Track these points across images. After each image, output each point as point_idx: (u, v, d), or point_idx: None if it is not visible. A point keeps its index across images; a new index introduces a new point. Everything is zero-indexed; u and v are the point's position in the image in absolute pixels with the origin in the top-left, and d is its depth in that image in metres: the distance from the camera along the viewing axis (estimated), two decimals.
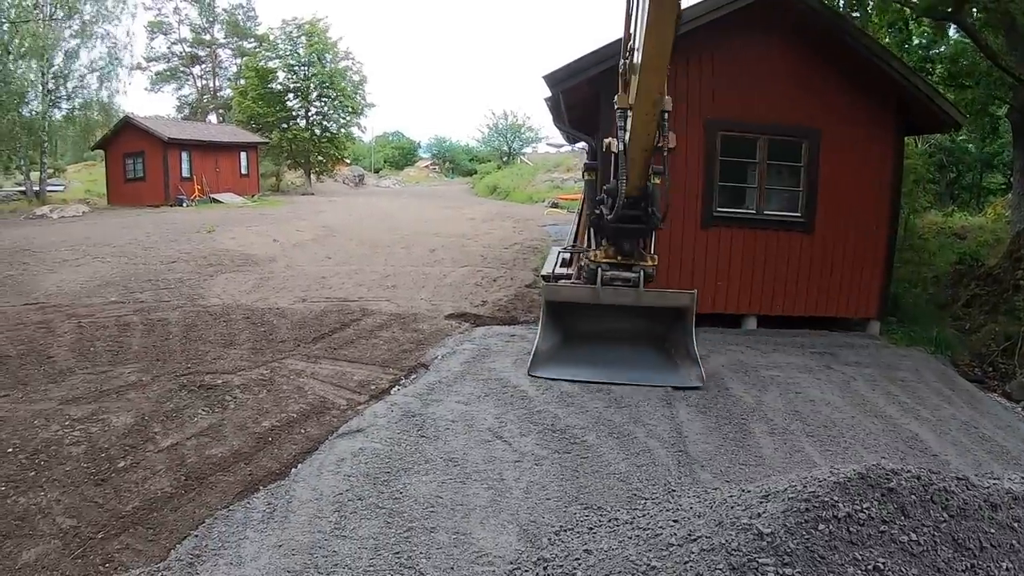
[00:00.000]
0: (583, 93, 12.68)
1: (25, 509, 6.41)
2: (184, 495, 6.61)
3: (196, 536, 5.91)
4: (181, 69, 76.36)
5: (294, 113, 56.02)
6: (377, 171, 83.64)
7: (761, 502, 4.54)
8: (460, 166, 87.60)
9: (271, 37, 59.22)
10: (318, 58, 55.21)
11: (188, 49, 75.32)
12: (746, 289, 13.07)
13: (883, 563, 4.03)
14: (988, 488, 4.57)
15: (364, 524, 5.96)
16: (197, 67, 77.01)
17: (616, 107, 9.53)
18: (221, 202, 40.53)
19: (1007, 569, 4.13)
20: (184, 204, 39.06)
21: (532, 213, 35.08)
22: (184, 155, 41.69)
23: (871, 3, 19.77)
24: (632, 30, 9.04)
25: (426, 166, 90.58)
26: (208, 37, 75.76)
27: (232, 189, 43.78)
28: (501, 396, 9.08)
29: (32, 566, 5.58)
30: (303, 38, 55.71)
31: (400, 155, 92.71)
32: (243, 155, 47.53)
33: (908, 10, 18.46)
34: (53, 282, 16.17)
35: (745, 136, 12.96)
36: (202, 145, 43.36)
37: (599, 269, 10.30)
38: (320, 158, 56.46)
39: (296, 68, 55.79)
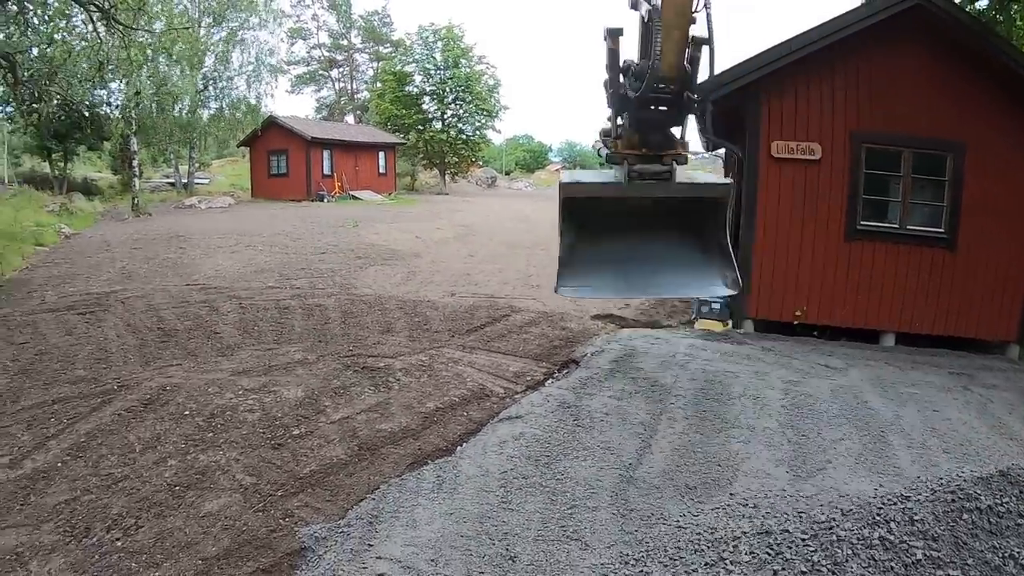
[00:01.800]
0: (731, 102, 12.83)
1: (205, 466, 7.24)
2: (358, 463, 7.34)
3: (373, 500, 6.58)
4: (320, 72, 79.49)
5: (430, 115, 57.25)
6: (507, 173, 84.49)
7: (911, 493, 4.91)
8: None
9: (408, 43, 60.77)
10: (454, 62, 56.29)
11: (326, 54, 78.33)
12: (886, 305, 12.92)
13: (1018, 552, 4.37)
14: None
15: (529, 500, 6.49)
16: (335, 70, 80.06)
17: None
18: (360, 199, 42.16)
19: None
20: (325, 200, 40.89)
21: None
22: (326, 153, 43.64)
23: (1016, 8, 19.32)
24: None
25: (556, 169, 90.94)
26: (345, 42, 78.47)
27: (370, 187, 45.46)
28: (651, 394, 9.33)
29: (215, 515, 6.34)
30: (439, 43, 56.93)
31: (531, 158, 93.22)
32: (381, 155, 49.30)
33: None
34: (211, 266, 17.49)
35: (889, 149, 12.81)
36: (342, 144, 45.23)
37: (625, 163, 8.83)
38: (455, 159, 57.51)
39: (432, 72, 57.02)
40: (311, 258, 18.72)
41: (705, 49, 7.76)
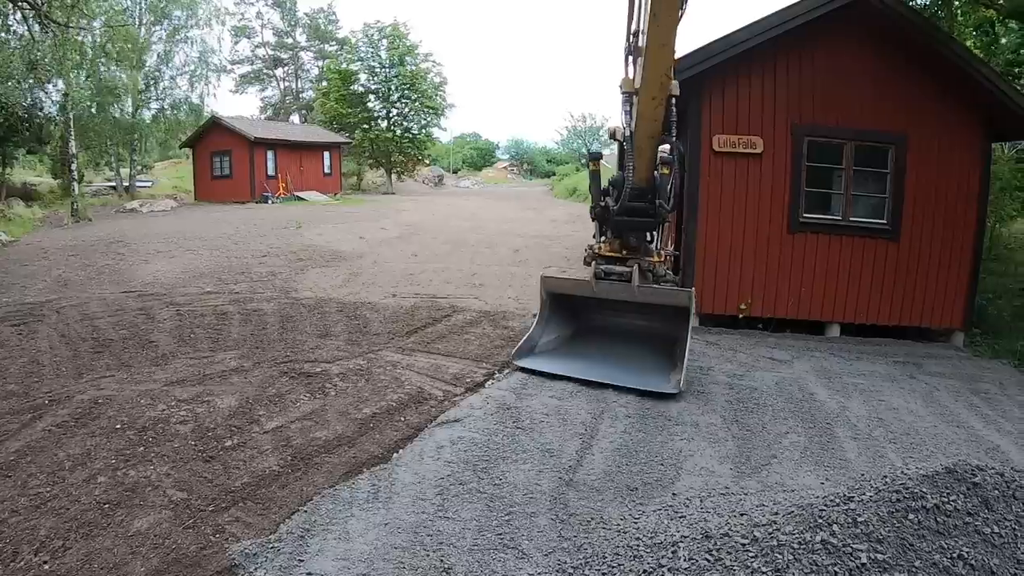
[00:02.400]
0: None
1: (136, 481, 6.86)
2: (291, 474, 7.02)
3: (305, 512, 6.26)
4: (264, 71, 78.69)
5: (375, 114, 56.87)
6: (455, 171, 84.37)
7: (854, 493, 4.76)
8: (538, 168, 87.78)
9: (353, 41, 60.33)
10: (399, 60, 55.99)
11: (271, 52, 77.50)
12: (830, 296, 13.00)
13: (967, 552, 4.23)
14: None
15: (466, 507, 6.26)
16: (280, 69, 79.33)
17: (621, 91, 9.60)
18: (305, 200, 41.63)
19: None
20: (269, 201, 40.31)
21: None
22: (270, 154, 42.95)
23: (956, 4, 19.52)
24: (636, 10, 9.06)
25: (504, 167, 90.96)
26: (290, 40, 77.78)
27: (315, 187, 44.92)
28: (592, 393, 9.23)
29: (144, 534, 5.98)
30: (384, 41, 56.59)
31: (478, 156, 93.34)
32: (326, 155, 48.71)
33: (995, 12, 18.14)
34: (149, 272, 17.02)
35: (831, 142, 12.88)
36: (287, 144, 44.55)
37: (594, 263, 10.40)
38: (401, 158, 57.12)
39: (377, 70, 56.67)
40: (251, 262, 18.37)
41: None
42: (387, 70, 56.49)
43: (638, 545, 5.22)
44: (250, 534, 5.97)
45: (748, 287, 12.81)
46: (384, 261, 18.94)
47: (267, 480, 6.91)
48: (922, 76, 12.74)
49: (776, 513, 4.83)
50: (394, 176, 58.21)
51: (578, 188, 52.92)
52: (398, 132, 56.45)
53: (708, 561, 4.56)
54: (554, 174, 77.00)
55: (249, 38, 77.35)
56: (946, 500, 4.47)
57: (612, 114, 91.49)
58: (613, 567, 5.02)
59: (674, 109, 9.44)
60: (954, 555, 4.21)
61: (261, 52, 78.41)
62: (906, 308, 13.22)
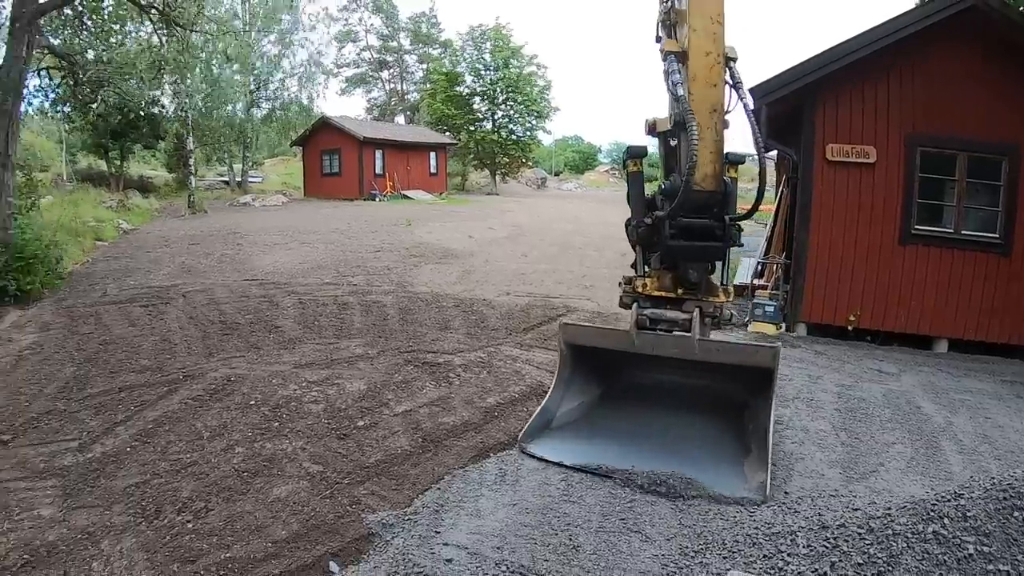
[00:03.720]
0: (785, 105, 12.90)
1: (272, 454, 7.54)
2: (422, 454, 7.59)
3: (438, 489, 6.82)
4: (370, 74, 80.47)
5: (481, 116, 57.76)
6: (557, 174, 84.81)
7: (964, 491, 5.04)
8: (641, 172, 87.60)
9: (457, 44, 61.58)
10: (504, 63, 56.78)
11: (375, 56, 79.35)
12: (939, 310, 12.80)
13: None
14: None
15: (590, 493, 6.71)
16: (385, 72, 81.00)
17: (662, 54, 7.57)
18: (411, 199, 42.80)
19: None
20: (377, 199, 41.67)
21: None
22: (378, 153, 44.46)
23: None
24: None
25: (606, 171, 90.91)
26: (394, 44, 79.39)
27: (421, 187, 46.16)
28: None
29: (283, 501, 6.62)
30: (488, 44, 57.46)
31: (580, 159, 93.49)
32: (432, 155, 49.96)
33: None
34: (268, 262, 17.98)
35: (944, 152, 12.69)
36: (394, 144, 45.99)
37: (635, 305, 7.66)
38: (505, 160, 58.00)
39: (482, 72, 57.59)
40: (366, 256, 19.10)
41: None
42: (492, 73, 57.32)
43: (756, 534, 5.59)
44: (385, 506, 6.52)
45: (857, 298, 12.81)
46: (495, 260, 19.50)
47: (399, 459, 7.47)
48: None
49: (890, 507, 5.14)
50: (498, 177, 58.97)
51: None
52: (503, 134, 57.23)
53: (826, 547, 4.90)
54: (656, 178, 76.43)
55: (354, 42, 79.51)
56: None
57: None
58: (733, 552, 5.40)
59: (736, 69, 7.34)
60: None
61: (366, 55, 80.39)
62: (1016, 326, 12.82)
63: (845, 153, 12.70)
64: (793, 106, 12.98)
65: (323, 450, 7.67)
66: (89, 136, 40.13)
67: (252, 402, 8.84)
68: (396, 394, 9.10)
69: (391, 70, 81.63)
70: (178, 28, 19.26)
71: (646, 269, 8.01)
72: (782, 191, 15.52)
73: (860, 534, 4.90)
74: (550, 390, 8.19)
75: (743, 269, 17.36)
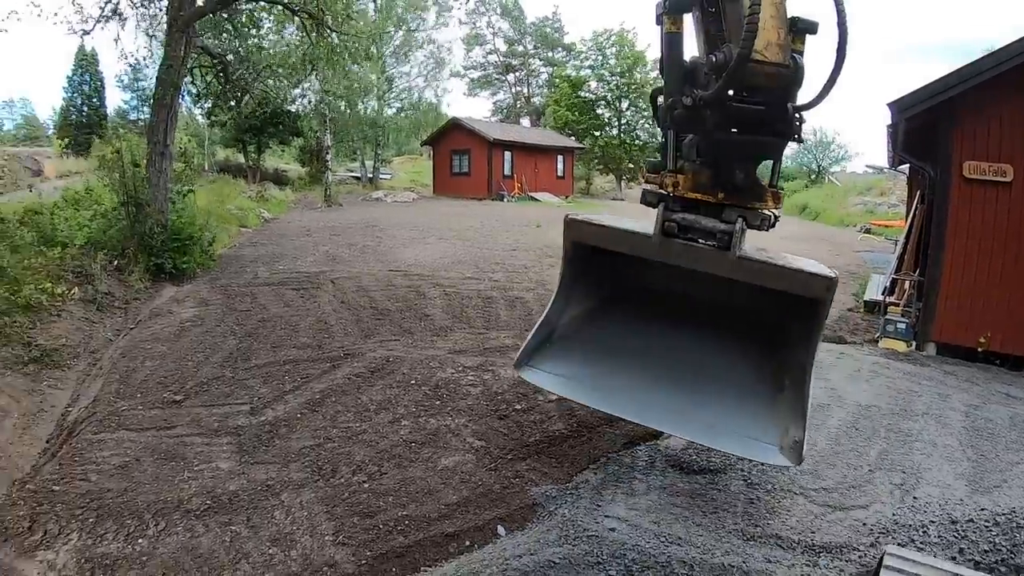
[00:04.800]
0: (921, 120, 12.86)
1: (437, 428, 8.38)
2: (577, 438, 8.30)
3: (594, 470, 7.51)
4: (495, 76, 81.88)
5: (605, 121, 58.27)
6: None
7: None
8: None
9: (581, 48, 62.60)
10: (628, 69, 57.13)
11: (502, 59, 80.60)
12: None
13: None
14: None
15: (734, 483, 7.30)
16: (511, 75, 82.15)
17: None
18: (538, 200, 43.65)
19: None
20: (505, 199, 42.67)
21: (846, 238, 33.75)
22: (507, 155, 45.49)
23: None
24: None
25: None
26: (520, 48, 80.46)
27: (548, 189, 47.00)
28: (844, 406, 9.65)
29: (451, 470, 7.45)
30: (612, 49, 57.88)
31: None
32: (559, 158, 50.71)
33: None
34: (409, 255, 18.89)
35: None
36: (523, 147, 46.99)
37: (661, 206, 6.15)
38: (630, 165, 58.07)
39: (607, 78, 58.03)
40: (502, 255, 19.73)
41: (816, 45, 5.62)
42: (617, 78, 57.65)
43: (888, 524, 5.96)
44: (547, 481, 7.29)
45: (989, 320, 12.71)
46: None
47: (557, 440, 8.21)
48: None
49: (1013, 509, 5.50)
50: (623, 182, 59.30)
51: (808, 205, 51.72)
52: (628, 139, 57.49)
53: (955, 537, 5.29)
54: (783, 189, 75.53)
55: (481, 46, 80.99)
56: None
57: (843, 127, 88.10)
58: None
59: None
60: None
61: (493, 59, 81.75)
62: None
63: (982, 171, 12.63)
64: (928, 121, 12.93)
65: (485, 428, 8.46)
66: (230, 130, 42.38)
67: (412, 381, 9.69)
68: None
69: (517, 73, 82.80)
70: (327, 30, 20.24)
71: (680, 164, 6.23)
72: (916, 206, 15.47)
73: (987, 526, 5.28)
74: (551, 300, 7.01)
75: (873, 285, 17.38)
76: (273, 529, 6.56)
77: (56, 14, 16.90)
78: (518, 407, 8.98)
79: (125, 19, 18.52)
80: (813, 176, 69.89)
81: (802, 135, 5.80)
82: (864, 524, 6.37)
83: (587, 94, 58.83)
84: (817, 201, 54.30)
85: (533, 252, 20.44)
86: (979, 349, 12.73)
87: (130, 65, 45.02)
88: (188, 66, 18.25)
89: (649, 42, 58.03)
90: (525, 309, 13.46)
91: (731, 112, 5.56)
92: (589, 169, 60.17)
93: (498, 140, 44.89)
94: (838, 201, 52.68)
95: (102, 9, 17.84)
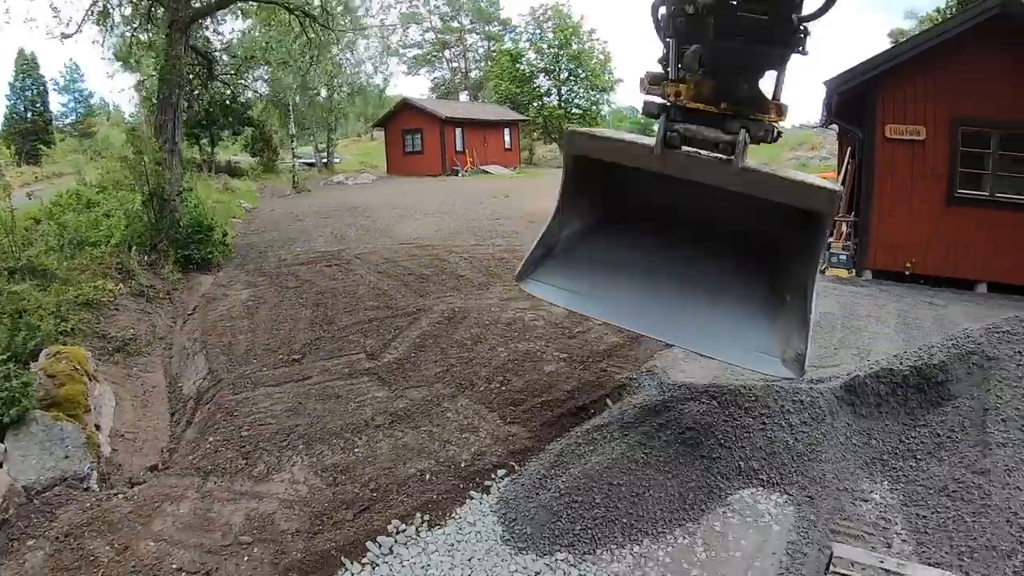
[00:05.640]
0: (851, 92, 16.09)
1: (527, 350, 10.53)
2: (633, 344, 10.82)
3: (656, 359, 10.23)
4: (433, 54, 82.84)
5: (544, 91, 61.05)
6: None
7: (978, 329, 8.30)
8: None
9: (519, 25, 66.19)
10: (565, 41, 59.70)
11: (439, 36, 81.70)
12: (980, 259, 15.82)
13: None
14: None
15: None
16: (448, 51, 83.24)
17: None
18: (490, 173, 45.99)
19: None
20: (459, 174, 44.82)
21: None
22: (458, 131, 47.51)
23: None
24: None
25: None
26: (456, 23, 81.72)
27: (498, 161, 49.40)
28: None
29: (555, 372, 9.80)
30: (549, 23, 60.78)
31: (640, 130, 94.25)
32: (506, 131, 53.05)
33: None
34: (407, 230, 19.91)
35: (981, 130, 15.63)
36: (472, 123, 49.14)
37: (664, 117, 6.16)
38: None
39: (545, 50, 60.74)
40: (491, 224, 21.22)
41: None
42: (555, 50, 60.14)
43: (852, 371, 8.73)
44: (625, 370, 9.82)
45: (912, 249, 16.06)
46: None
47: (618, 347, 10.72)
48: None
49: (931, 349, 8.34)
50: None
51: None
52: (568, 109, 60.02)
53: (891, 371, 8.06)
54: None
55: (418, 23, 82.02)
56: (1014, 328, 8.06)
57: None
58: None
59: None
60: (1017, 349, 7.79)
61: (430, 36, 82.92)
62: None
63: (900, 132, 15.92)
64: (857, 92, 16.15)
65: (562, 345, 10.64)
66: (183, 125, 43.05)
67: (487, 321, 11.65)
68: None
69: (453, 49, 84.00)
70: (320, 27, 21.98)
71: (681, 74, 6.22)
72: (847, 160, 18.59)
73: (912, 365, 8.04)
74: (552, 213, 7.09)
75: None
76: (455, 424, 8.64)
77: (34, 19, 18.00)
78: (579, 329, 11.37)
79: (112, 21, 19.92)
80: None
81: (806, 47, 5.63)
82: (838, 368, 9.40)
83: (526, 67, 61.18)
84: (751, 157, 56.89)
85: (517, 220, 21.94)
86: (906, 272, 16.09)
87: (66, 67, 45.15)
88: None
89: (583, 13, 60.21)
90: None
91: (734, 21, 5.37)
92: (532, 140, 62.53)
93: (450, 118, 46.91)
94: (773, 157, 55.54)
95: (88, 11, 19.02)
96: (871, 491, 7.11)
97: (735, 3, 5.30)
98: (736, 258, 6.98)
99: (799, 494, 7.03)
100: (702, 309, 6.72)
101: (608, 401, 9.16)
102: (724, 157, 5.89)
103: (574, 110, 60.43)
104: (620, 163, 6.44)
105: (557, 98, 60.98)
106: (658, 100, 6.22)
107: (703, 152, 6.05)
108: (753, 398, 7.81)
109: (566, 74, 60.48)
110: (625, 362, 10.29)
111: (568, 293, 7.03)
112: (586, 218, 7.31)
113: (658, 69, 6.52)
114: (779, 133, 6.05)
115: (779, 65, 5.87)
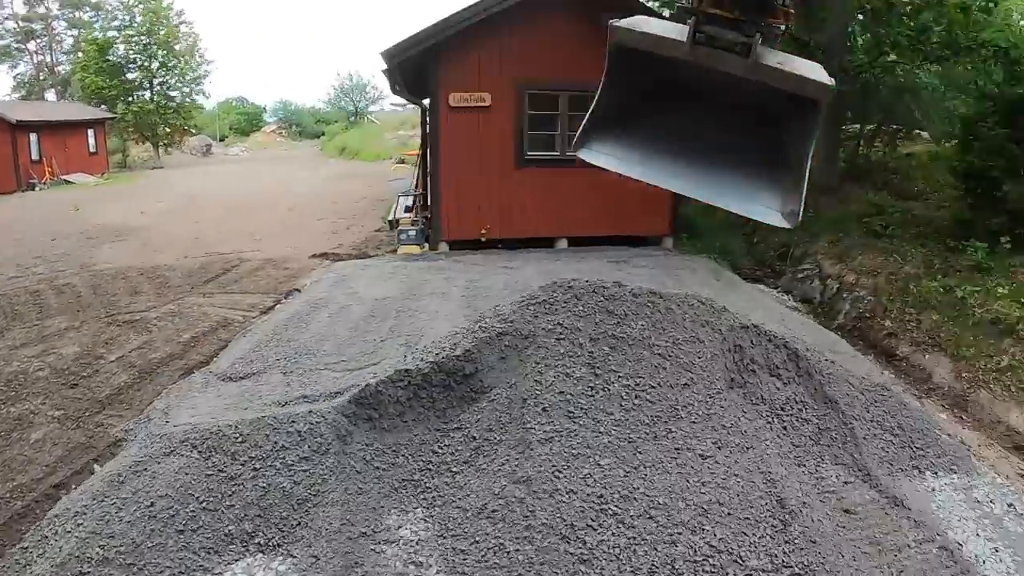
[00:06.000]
0: (416, 63, 15.25)
1: (20, 414, 8.70)
2: (141, 382, 9.31)
3: (162, 399, 8.61)
4: (15, 46, 73.37)
5: (136, 85, 56.00)
6: (223, 139, 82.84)
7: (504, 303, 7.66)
8: (307, 129, 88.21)
9: (110, 8, 58.81)
10: (152, 25, 55.27)
11: (21, 24, 72.74)
12: (556, 217, 16.09)
13: (563, 319, 7.17)
14: (634, 288, 7.80)
15: (274, 377, 8.81)
16: (32, 43, 74.10)
17: None
18: (73, 183, 40.40)
19: (641, 326, 7.25)
20: (37, 188, 38.94)
21: (380, 170, 37.53)
22: (33, 137, 41.16)
23: None
24: None
25: (272, 131, 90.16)
26: (42, 9, 73.11)
27: (82, 169, 43.62)
28: (363, 303, 11.63)
29: (43, 440, 8.04)
30: (140, 5, 55.59)
31: (246, 121, 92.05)
32: (90, 132, 47.02)
33: None
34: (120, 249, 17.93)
35: (549, 93, 15.81)
36: (50, 125, 43.03)
37: (691, 20, 7.16)
38: (167, 130, 56.37)
39: (136, 38, 55.49)
40: (44, 246, 18.88)
41: None
42: (146, 37, 55.31)
43: (391, 368, 7.80)
44: (125, 420, 8.27)
45: (486, 215, 15.75)
46: (169, 230, 20.26)
47: (124, 389, 9.16)
48: None
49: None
50: (161, 149, 57.20)
51: (347, 146, 54.25)
52: (161, 102, 55.73)
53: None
54: (324, 134, 77.94)
55: None
56: (552, 296, 7.46)
57: (378, 71, 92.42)
58: None
59: None
60: (556, 320, 7.19)
61: (11, 25, 73.21)
62: (620, 221, 16.49)
63: (465, 100, 15.40)
64: (421, 63, 15.32)
65: (60, 400, 8.97)
66: None
67: None
68: (107, 348, 10.44)
69: (39, 40, 74.75)
70: None
71: None
72: (425, 136, 18.02)
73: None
74: (597, 94, 7.97)
75: (400, 206, 19.78)
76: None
77: None
78: (84, 374, 9.73)
79: None
80: (352, 118, 72.52)
81: None
82: (376, 367, 8.29)
83: (116, 57, 55.46)
84: (355, 141, 57.18)
85: (74, 238, 19.76)
86: (482, 239, 15.75)
87: None
88: None
89: None
90: (74, 293, 13.59)
91: None
92: (124, 140, 56.58)
93: (22, 122, 40.39)
94: (375, 138, 55.91)
95: None
96: (400, 526, 5.89)
97: None
98: (750, 133, 8.15)
99: (303, 554, 5.61)
100: (723, 172, 7.93)
101: (96, 466, 7.43)
102: (742, 54, 6.97)
103: (169, 104, 56.33)
104: (657, 52, 7.43)
105: (150, 91, 56.43)
106: (686, 4, 7.32)
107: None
108: (240, 438, 6.41)
109: (158, 63, 56.03)
110: (128, 409, 8.69)
111: (614, 159, 8.00)
112: (627, 97, 8.17)
113: None
114: (788, 29, 7.48)
115: None
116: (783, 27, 7.27)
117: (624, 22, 7.60)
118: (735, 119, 8.21)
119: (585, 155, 8.08)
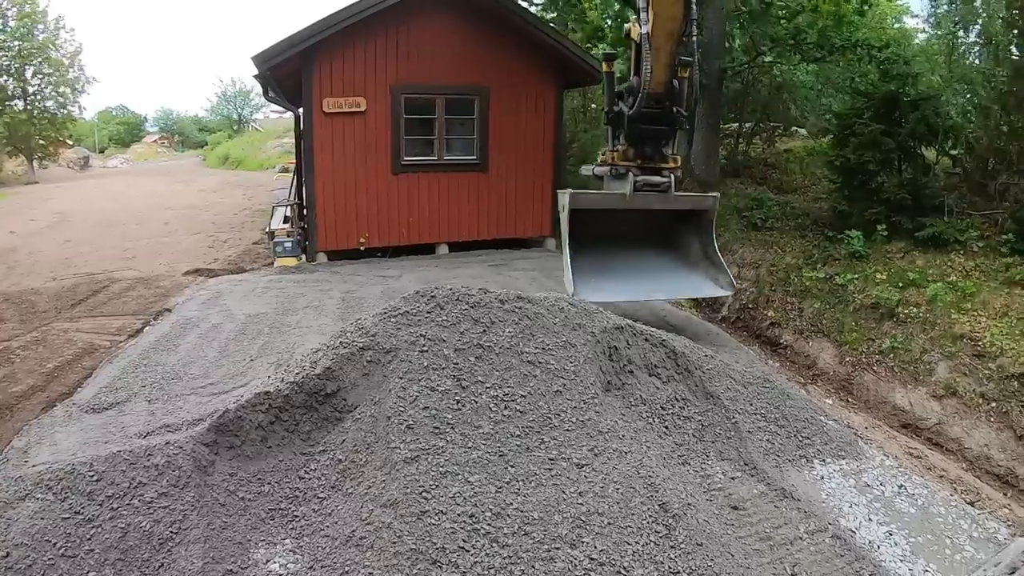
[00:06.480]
0: (289, 68, 14.87)
1: None
2: (1, 420, 8.71)
3: (22, 437, 7.96)
4: None
5: (8, 94, 52.79)
6: (102, 150, 79.73)
7: (366, 317, 7.45)
8: (190, 138, 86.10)
9: None
10: (28, 31, 52.02)
11: None
12: (436, 222, 15.99)
13: (427, 330, 6.96)
14: (500, 294, 7.60)
15: (139, 406, 8.33)
16: None
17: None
18: None
19: (509, 333, 7.09)
20: None
21: (263, 180, 36.88)
22: None
23: None
24: None
25: (154, 141, 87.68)
26: None
27: None
28: (234, 320, 11.24)
29: None
30: (13, 10, 52.63)
31: (126, 131, 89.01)
32: None
33: None
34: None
35: (425, 96, 15.69)
36: None
37: (630, 174, 10.26)
38: (41, 142, 53.14)
39: (8, 44, 52.70)
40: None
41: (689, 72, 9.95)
42: (19, 44, 52.05)
43: (263, 387, 7.49)
44: None
45: (364, 224, 15.47)
46: (38, 251, 19.26)
47: None
48: (499, 39, 15.93)
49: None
50: (35, 163, 54.26)
51: (230, 156, 52.77)
52: (36, 113, 52.59)
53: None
54: (206, 143, 76.10)
55: None
56: (415, 308, 7.21)
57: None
58: None
59: (694, 7, 9.24)
60: (419, 332, 6.93)
61: None
62: (502, 224, 16.62)
63: (339, 105, 15.04)
64: (294, 68, 14.93)
65: None
66: None
67: None
68: None
69: None
70: None
71: (616, 144, 10.58)
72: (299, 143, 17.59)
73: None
74: (564, 251, 10.26)
75: (275, 217, 19.29)
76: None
77: None
78: None
79: None
80: (236, 126, 70.81)
81: (683, 125, 11.34)
82: (244, 388, 7.81)
83: None
84: (239, 150, 55.81)
85: None
86: (361, 248, 15.52)
87: None
88: None
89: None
90: None
91: (643, 114, 9.83)
92: None
93: None
94: (258, 147, 54.62)
95: None
96: (268, 559, 5.62)
97: (644, 108, 9.76)
98: (673, 245, 11.34)
99: None
100: (666, 276, 10.97)
101: None
102: (662, 191, 10.42)
103: (44, 115, 53.05)
104: (600, 208, 10.55)
105: (23, 101, 53.35)
106: (601, 164, 10.80)
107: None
108: (95, 476, 5.96)
109: (31, 71, 53.05)
110: None
111: (596, 292, 9.97)
112: (585, 245, 10.44)
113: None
114: (679, 172, 10.80)
115: (671, 137, 10.55)
116: (676, 170, 10.53)
117: (579, 191, 10.41)
118: (663, 239, 11.25)
119: (586, 296, 9.52)
